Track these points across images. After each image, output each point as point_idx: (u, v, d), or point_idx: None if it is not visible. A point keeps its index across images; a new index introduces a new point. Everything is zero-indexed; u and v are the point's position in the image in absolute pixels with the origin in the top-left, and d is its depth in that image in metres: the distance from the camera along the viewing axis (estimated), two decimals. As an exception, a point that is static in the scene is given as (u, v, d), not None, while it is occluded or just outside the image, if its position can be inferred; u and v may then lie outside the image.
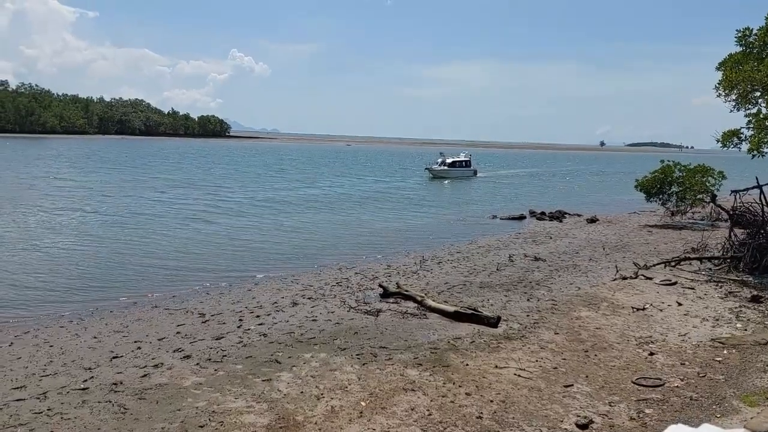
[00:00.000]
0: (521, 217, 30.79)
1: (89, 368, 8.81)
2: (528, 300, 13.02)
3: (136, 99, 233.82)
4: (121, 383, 8.04)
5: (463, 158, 67.93)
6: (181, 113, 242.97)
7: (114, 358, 9.30)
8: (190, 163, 76.16)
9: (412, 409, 7.11)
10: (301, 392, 7.60)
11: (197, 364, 8.81)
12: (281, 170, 69.64)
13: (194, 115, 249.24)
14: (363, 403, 7.26)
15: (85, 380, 8.24)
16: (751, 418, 7.08)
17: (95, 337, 10.59)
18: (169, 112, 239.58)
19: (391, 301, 12.83)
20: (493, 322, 10.84)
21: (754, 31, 16.20)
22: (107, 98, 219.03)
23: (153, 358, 9.16)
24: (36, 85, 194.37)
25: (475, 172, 67.44)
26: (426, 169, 65.19)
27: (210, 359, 9.02)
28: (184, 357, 9.17)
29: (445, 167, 63.81)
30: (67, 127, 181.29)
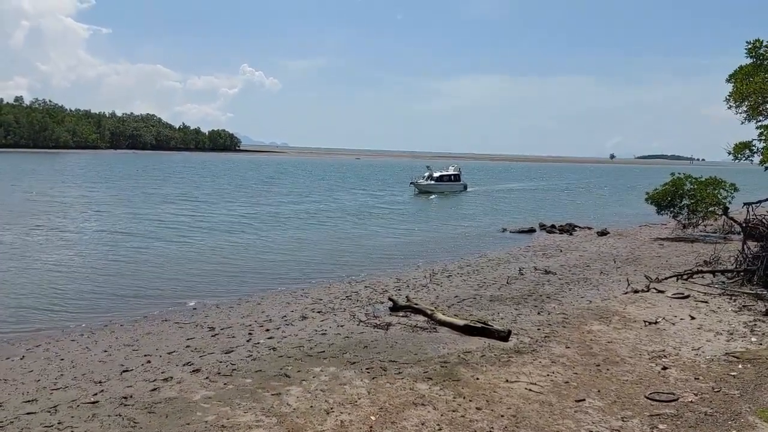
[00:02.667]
0: (531, 230, 30.70)
1: (99, 382, 8.82)
2: (539, 313, 12.92)
3: (148, 114, 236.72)
4: (131, 397, 8.03)
5: (452, 171, 63.27)
6: (192, 127, 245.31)
7: (124, 371, 9.32)
8: (196, 177, 76.20)
9: (423, 424, 7.05)
10: (311, 406, 7.57)
11: (207, 377, 8.80)
12: (283, 184, 68.90)
13: (205, 130, 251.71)
14: (373, 418, 7.21)
15: (96, 394, 8.25)
16: (768, 434, 6.97)
17: (105, 351, 10.63)
18: (180, 126, 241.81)
19: (401, 314, 12.78)
20: (504, 336, 10.76)
21: (765, 43, 16.15)
22: (119, 113, 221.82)
23: (163, 372, 9.16)
24: (49, 101, 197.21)
25: (465, 187, 63.13)
26: (411, 183, 60.54)
27: (219, 373, 9.00)
28: (193, 371, 9.16)
29: (432, 181, 59.66)
30: (79, 141, 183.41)
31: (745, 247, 17.17)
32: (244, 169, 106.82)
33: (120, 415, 7.38)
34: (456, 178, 62.83)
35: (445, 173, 62.41)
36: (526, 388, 8.29)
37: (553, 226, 31.68)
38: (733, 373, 9.10)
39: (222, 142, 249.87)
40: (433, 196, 55.53)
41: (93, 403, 7.88)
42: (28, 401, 8.07)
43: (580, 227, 31.94)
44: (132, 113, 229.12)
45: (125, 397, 8.01)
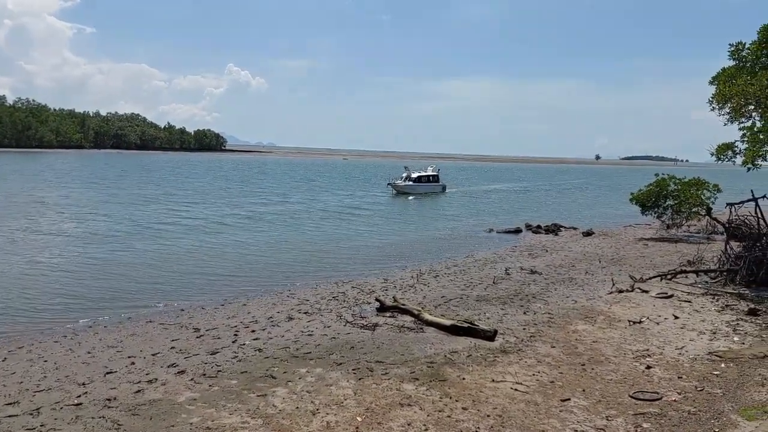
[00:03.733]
0: (517, 231, 30.86)
1: (83, 384, 8.73)
2: (524, 313, 12.98)
3: (132, 113, 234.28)
4: (115, 399, 7.96)
5: (430, 172, 62.05)
6: (177, 127, 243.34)
7: (108, 373, 9.22)
8: (179, 178, 74.81)
9: (409, 425, 7.05)
10: (297, 408, 7.54)
11: (191, 379, 8.74)
12: (266, 185, 67.58)
13: (191, 129, 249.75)
14: (359, 419, 7.20)
15: (79, 396, 8.17)
16: (750, 432, 7.05)
17: (89, 353, 10.52)
18: (165, 126, 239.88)
19: (388, 315, 12.77)
20: (490, 336, 10.80)
21: (747, 46, 16.36)
22: (103, 113, 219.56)
23: (147, 374, 9.09)
24: (33, 100, 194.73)
25: (444, 188, 61.80)
26: (389, 184, 58.72)
27: (204, 374, 8.94)
28: (178, 372, 9.10)
29: (410, 182, 58.28)
30: (63, 141, 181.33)
31: (727, 247, 17.35)
32: (228, 169, 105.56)
33: (104, 417, 7.31)
34: (435, 178, 61.62)
35: (423, 174, 61.15)
36: (511, 388, 8.32)
37: (539, 227, 31.86)
38: (716, 372, 9.19)
39: (208, 142, 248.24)
40: (411, 197, 54.32)
41: (76, 405, 7.80)
42: (10, 403, 7.97)
43: (565, 227, 32.16)
44: (116, 113, 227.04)
45: (109, 399, 7.94)
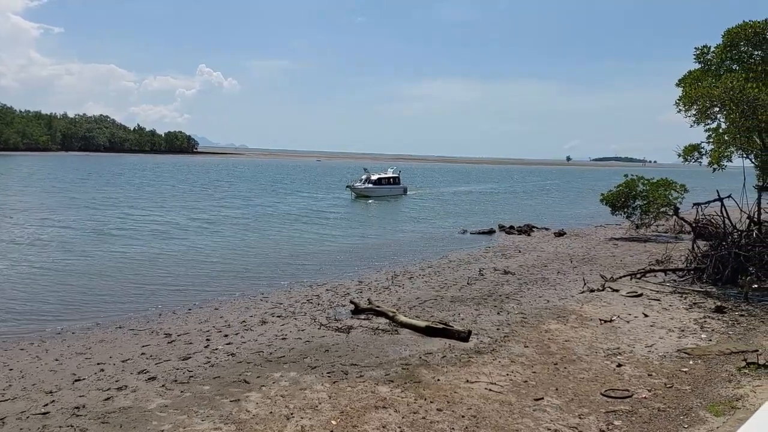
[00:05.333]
0: (490, 232, 31.05)
1: (50, 392, 8.52)
2: (498, 313, 13.08)
3: (101, 115, 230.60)
4: (84, 407, 7.79)
5: (390, 174, 60.04)
6: (147, 129, 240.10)
7: (76, 381, 9.02)
8: (145, 180, 73.15)
9: (384, 427, 7.04)
10: (270, 412, 7.47)
11: (163, 385, 8.60)
12: (234, 188, 65.98)
13: (162, 131, 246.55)
14: (334, 422, 7.17)
15: (46, 404, 7.97)
16: (717, 427, 7.19)
17: (57, 360, 10.27)
18: (134, 128, 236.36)
19: (363, 317, 12.75)
20: (464, 337, 10.85)
21: (712, 49, 16.74)
22: (71, 114, 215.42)
23: (117, 381, 8.91)
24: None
25: (405, 190, 60.29)
26: (347, 187, 56.51)
27: (176, 380, 8.81)
28: (149, 379, 8.95)
29: (370, 185, 56.18)
30: (29, 143, 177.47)
31: (695, 246, 17.71)
32: (197, 172, 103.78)
33: (72, 426, 7.15)
34: (395, 181, 59.77)
35: (383, 176, 59.10)
36: (486, 388, 8.36)
37: (512, 228, 32.12)
38: (684, 369, 9.37)
39: (179, 144, 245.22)
40: (370, 201, 52.23)
41: (43, 414, 7.62)
42: (-26, 414, 7.74)
43: (538, 228, 32.48)
44: (85, 114, 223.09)
45: (77, 407, 7.77)
